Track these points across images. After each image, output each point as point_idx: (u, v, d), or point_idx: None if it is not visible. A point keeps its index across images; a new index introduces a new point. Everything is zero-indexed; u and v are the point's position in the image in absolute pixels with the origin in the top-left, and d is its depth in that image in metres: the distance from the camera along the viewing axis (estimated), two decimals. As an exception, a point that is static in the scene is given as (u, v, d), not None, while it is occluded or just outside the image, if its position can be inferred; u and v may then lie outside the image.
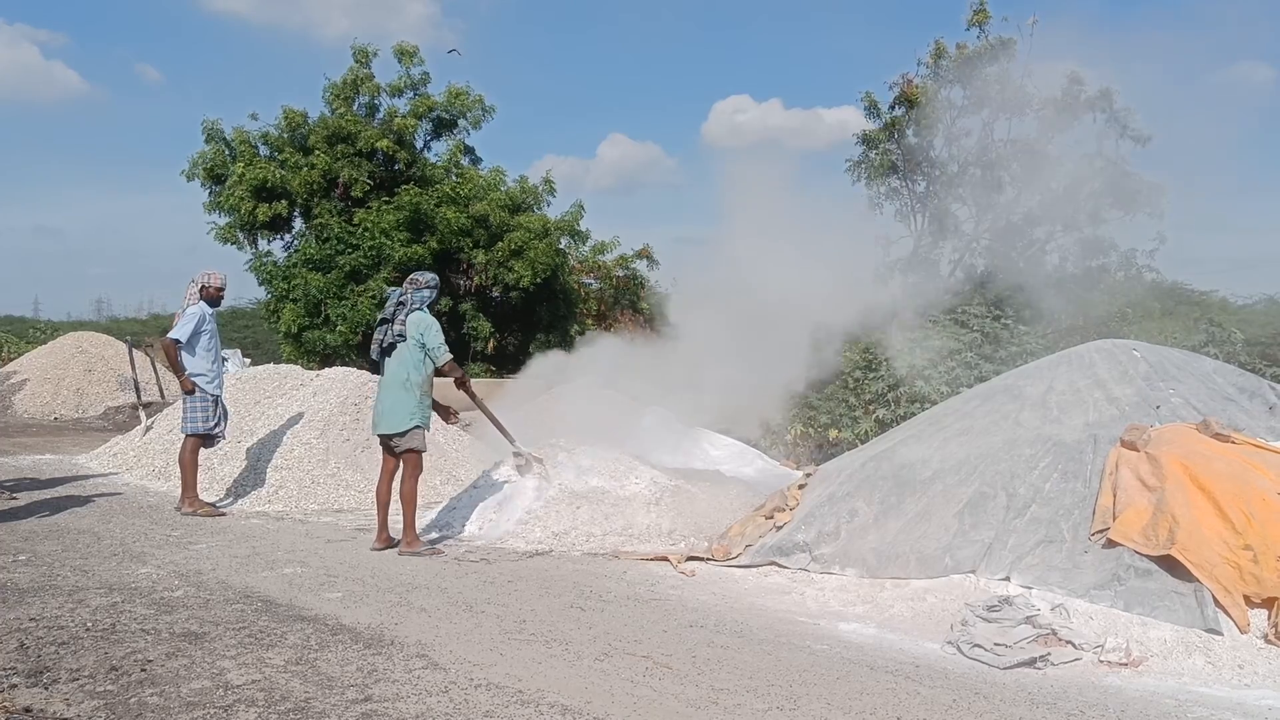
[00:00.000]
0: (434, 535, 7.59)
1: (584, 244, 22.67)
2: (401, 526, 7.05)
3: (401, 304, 7.10)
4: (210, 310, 8.42)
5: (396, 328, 7.03)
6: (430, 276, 7.30)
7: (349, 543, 7.31)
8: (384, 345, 7.09)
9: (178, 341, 8.17)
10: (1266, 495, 5.42)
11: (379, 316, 7.27)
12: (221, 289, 8.51)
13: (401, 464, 7.08)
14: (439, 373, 7.07)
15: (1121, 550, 5.36)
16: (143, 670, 4.14)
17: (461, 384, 7.21)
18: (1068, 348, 8.25)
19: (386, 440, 7.10)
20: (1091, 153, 18.06)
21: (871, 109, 19.37)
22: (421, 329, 6.99)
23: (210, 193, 19.95)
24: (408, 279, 7.28)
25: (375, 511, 7.21)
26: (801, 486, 7.42)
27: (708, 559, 6.92)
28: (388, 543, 7.08)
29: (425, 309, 7.10)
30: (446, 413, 7.65)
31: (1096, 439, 6.24)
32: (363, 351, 18.63)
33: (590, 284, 24.71)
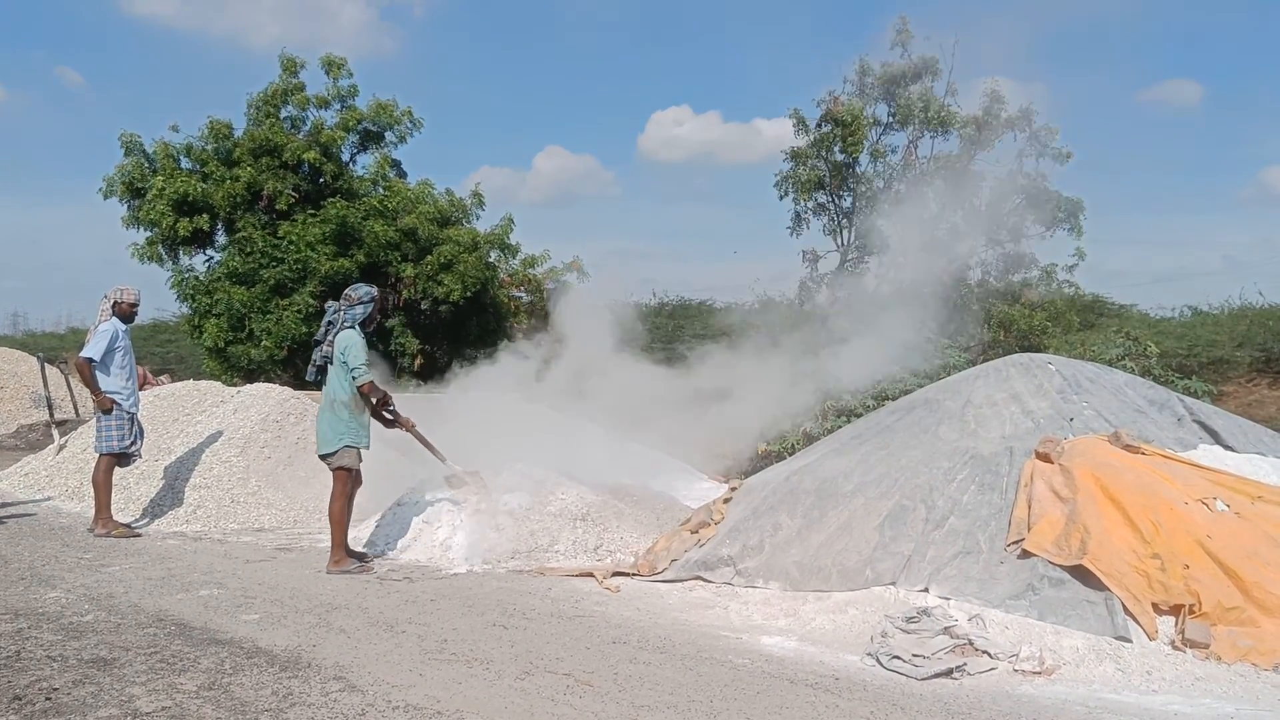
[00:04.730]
0: (358, 552, 7.46)
1: (514, 257, 22.57)
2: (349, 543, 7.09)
3: (331, 324, 7.00)
4: (124, 327, 8.27)
5: (325, 349, 6.94)
6: (365, 290, 7.14)
7: (269, 563, 7.17)
8: (317, 367, 7.00)
9: (91, 360, 8.00)
10: (1174, 505, 5.59)
11: (314, 338, 7.14)
12: (135, 305, 8.36)
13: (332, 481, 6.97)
14: (361, 392, 6.94)
15: (1036, 561, 5.49)
16: (47, 699, 4.02)
17: (383, 404, 7.10)
18: (990, 361, 8.42)
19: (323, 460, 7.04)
20: (1014, 169, 18.46)
21: (800, 125, 19.55)
22: (343, 347, 6.88)
23: (129, 207, 19.41)
24: (343, 294, 7.12)
25: (331, 531, 7.00)
26: (727, 500, 7.46)
27: (633, 574, 6.91)
28: (358, 558, 7.11)
29: (355, 327, 6.96)
30: (391, 420, 7.27)
31: (1012, 451, 6.38)
32: (288, 366, 18.33)
33: (520, 297, 24.61)
